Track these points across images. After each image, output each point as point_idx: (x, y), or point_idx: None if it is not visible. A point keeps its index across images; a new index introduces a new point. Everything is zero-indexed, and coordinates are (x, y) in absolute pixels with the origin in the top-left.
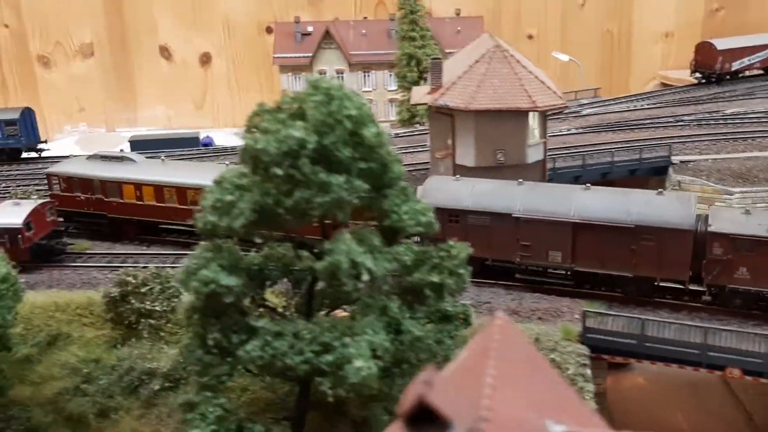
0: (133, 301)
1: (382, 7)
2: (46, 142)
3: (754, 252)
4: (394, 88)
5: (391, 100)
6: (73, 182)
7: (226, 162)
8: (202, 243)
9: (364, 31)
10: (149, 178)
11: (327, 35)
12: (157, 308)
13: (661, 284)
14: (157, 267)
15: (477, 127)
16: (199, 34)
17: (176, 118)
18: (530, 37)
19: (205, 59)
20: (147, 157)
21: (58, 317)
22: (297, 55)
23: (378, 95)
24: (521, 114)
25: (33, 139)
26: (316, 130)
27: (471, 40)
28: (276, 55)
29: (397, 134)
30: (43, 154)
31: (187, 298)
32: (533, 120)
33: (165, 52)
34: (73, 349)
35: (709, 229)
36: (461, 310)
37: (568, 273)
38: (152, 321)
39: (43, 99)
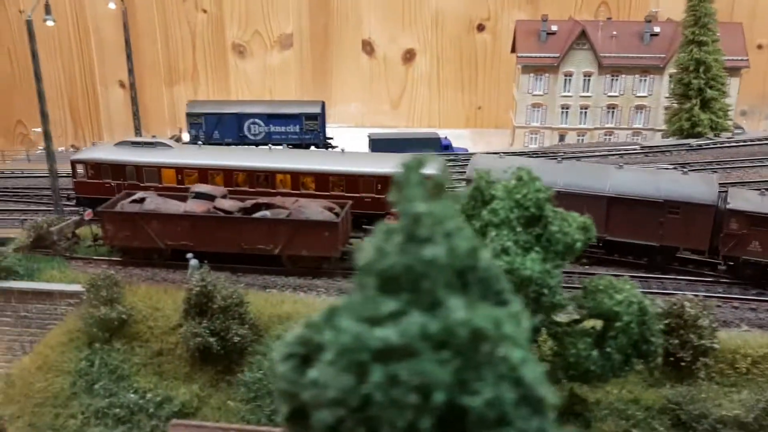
0: (690, 336)
1: (605, 7)
2: (332, 138)
3: (766, 228)
4: (643, 93)
5: (639, 107)
6: (102, 169)
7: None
8: None
9: (615, 33)
10: (193, 162)
11: (582, 35)
12: (716, 345)
13: (683, 256)
14: (704, 296)
15: None
16: (406, 30)
17: (369, 115)
18: (759, 47)
19: (409, 56)
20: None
21: None
22: (541, 54)
23: (624, 101)
24: None
25: (324, 135)
26: None
27: (731, 46)
28: (520, 54)
29: (700, 145)
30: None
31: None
32: None
33: (368, 47)
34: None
35: (728, 206)
36: None
37: (600, 243)
38: (708, 360)
39: (233, 88)
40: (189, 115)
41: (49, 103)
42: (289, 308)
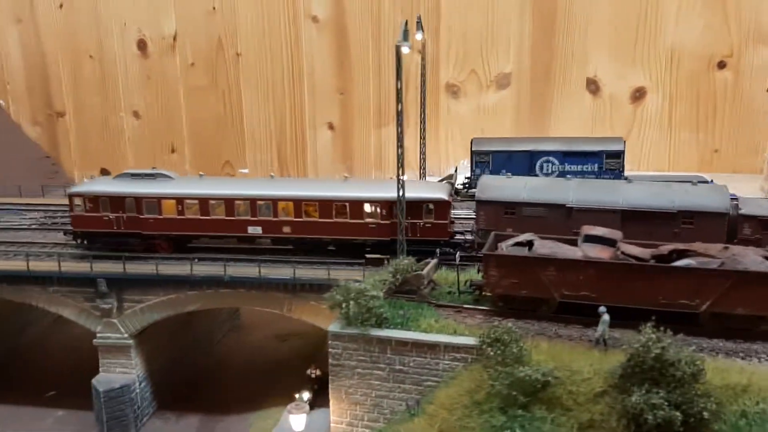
0: None
1: None
2: (629, 179)
3: None
4: None
5: None
6: (100, 202)
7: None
8: None
9: None
10: (194, 192)
11: None
12: None
13: None
14: None
15: None
16: (637, 67)
17: None
18: None
19: (638, 95)
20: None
21: None
22: None
23: None
24: None
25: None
26: None
27: None
28: None
29: None
30: None
31: None
32: None
33: (592, 85)
34: None
35: (740, 212)
36: None
37: None
38: None
39: (442, 129)
40: (475, 153)
41: (258, 145)
42: (739, 378)
